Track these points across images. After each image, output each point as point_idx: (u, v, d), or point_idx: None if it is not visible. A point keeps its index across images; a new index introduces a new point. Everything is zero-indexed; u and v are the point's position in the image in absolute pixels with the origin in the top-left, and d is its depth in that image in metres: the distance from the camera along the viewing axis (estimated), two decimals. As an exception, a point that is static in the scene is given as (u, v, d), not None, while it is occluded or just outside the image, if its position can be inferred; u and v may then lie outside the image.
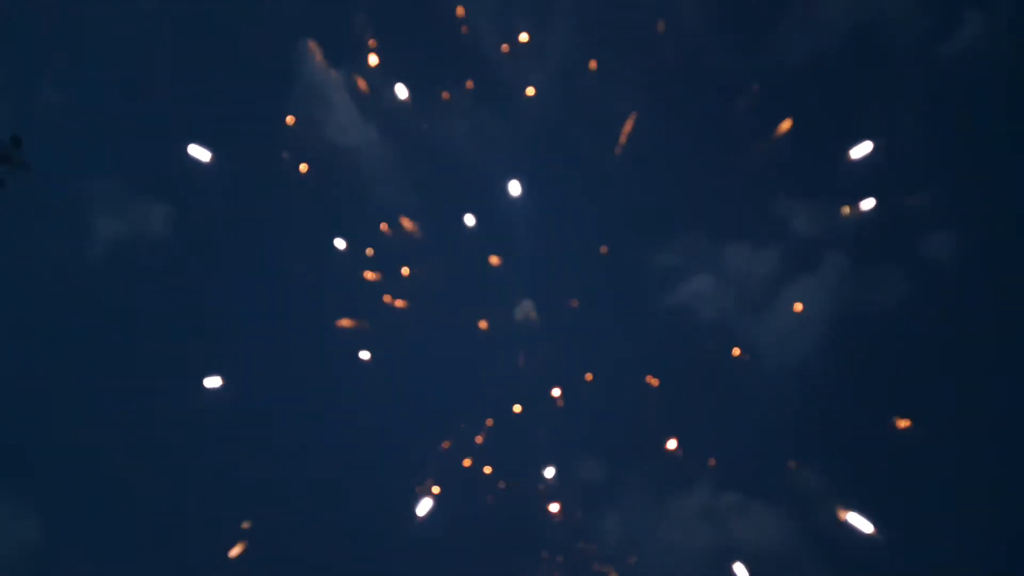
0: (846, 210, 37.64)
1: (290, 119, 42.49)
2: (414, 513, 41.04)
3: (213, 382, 41.43)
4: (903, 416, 40.32)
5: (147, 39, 44.63)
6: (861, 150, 41.05)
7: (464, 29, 42.74)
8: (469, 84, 44.10)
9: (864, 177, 41.99)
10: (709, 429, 42.00)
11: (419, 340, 42.63)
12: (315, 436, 41.34)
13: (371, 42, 43.05)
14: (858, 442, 40.38)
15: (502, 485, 41.28)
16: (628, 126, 40.65)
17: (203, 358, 42.22)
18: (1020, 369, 39.59)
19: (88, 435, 40.58)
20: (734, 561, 40.59)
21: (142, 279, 43.02)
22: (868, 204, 40.11)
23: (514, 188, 41.54)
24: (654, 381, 41.51)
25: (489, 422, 42.09)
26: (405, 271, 43.37)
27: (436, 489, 41.34)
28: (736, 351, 41.18)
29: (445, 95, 43.20)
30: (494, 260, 42.56)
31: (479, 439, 42.02)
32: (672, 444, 40.28)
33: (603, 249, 41.18)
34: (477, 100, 44.15)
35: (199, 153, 41.52)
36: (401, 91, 42.21)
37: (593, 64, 42.19)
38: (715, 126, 43.03)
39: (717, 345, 42.06)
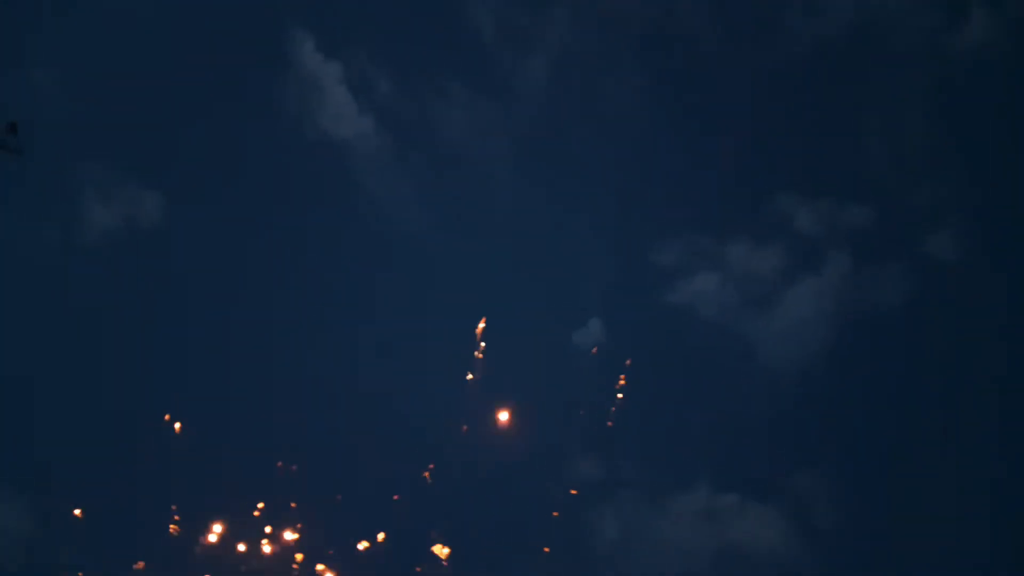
0: None
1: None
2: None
3: None
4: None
5: (143, 27, 44.27)
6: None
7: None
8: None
9: (868, 175, 42.04)
10: (709, 428, 41.62)
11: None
12: (310, 431, 40.91)
13: None
14: (860, 443, 40.30)
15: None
16: None
17: (194, 347, 41.83)
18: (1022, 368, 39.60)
19: (81, 425, 40.14)
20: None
21: (134, 266, 42.34)
22: None
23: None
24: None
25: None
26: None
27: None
28: None
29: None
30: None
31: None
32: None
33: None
34: (475, 92, 43.85)
35: None
36: None
37: None
38: (718, 122, 42.71)
39: (719, 344, 41.73)
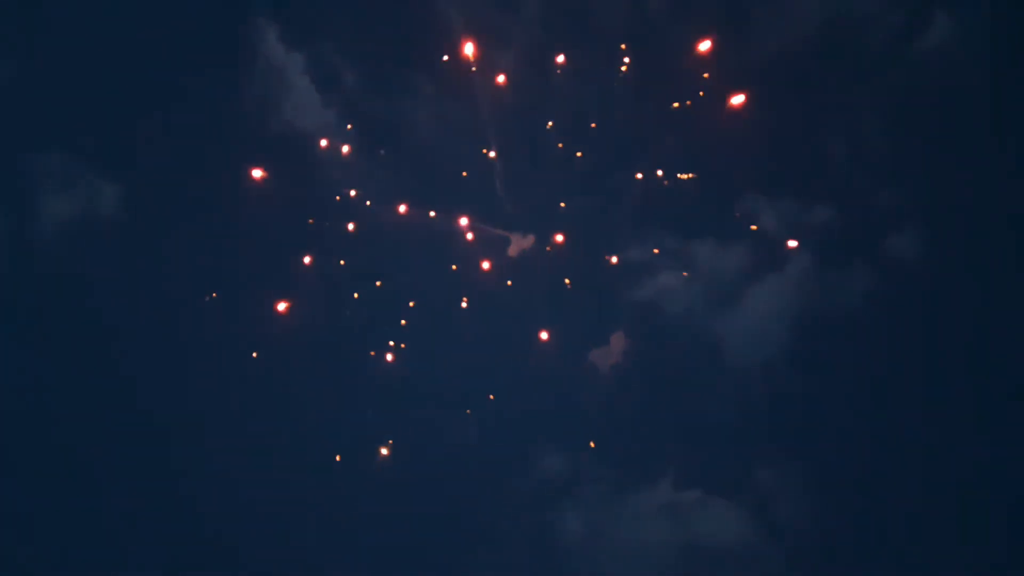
0: None
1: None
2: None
3: None
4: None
5: (99, 13, 43.44)
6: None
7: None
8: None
9: (832, 175, 42.33)
10: (673, 425, 41.87)
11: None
12: (279, 424, 41.07)
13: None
14: (822, 439, 40.75)
15: None
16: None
17: (154, 342, 41.47)
18: (985, 366, 40.14)
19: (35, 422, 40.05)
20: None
21: (91, 260, 41.76)
22: None
23: None
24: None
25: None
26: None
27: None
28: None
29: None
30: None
31: None
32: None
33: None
34: (442, 87, 43.61)
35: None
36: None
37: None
38: (683, 122, 42.78)
39: (683, 341, 41.97)
